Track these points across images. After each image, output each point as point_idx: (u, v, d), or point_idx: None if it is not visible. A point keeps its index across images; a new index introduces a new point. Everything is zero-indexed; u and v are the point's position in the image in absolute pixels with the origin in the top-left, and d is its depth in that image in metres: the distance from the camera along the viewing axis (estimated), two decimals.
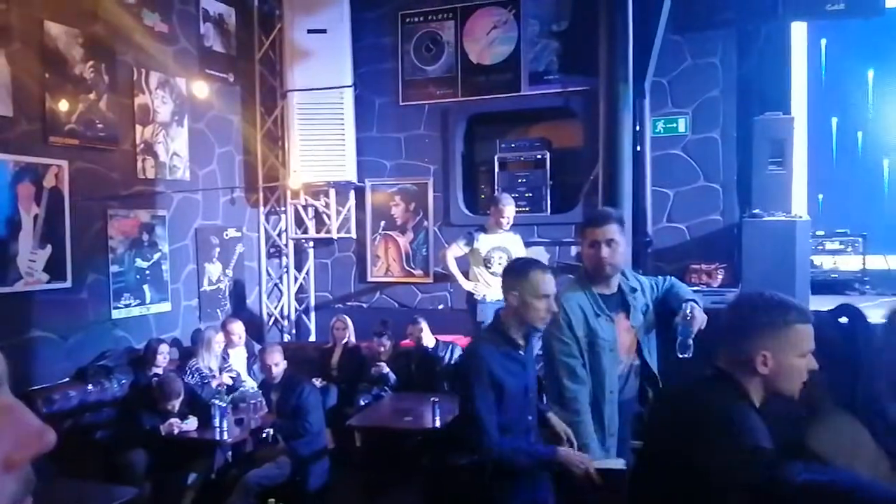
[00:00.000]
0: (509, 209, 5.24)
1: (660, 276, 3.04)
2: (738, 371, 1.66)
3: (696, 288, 5.08)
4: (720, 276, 5.31)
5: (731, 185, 5.68)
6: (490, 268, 5.29)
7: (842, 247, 5.83)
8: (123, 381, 5.01)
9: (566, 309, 2.69)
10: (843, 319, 1.73)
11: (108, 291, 5.19)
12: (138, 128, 5.42)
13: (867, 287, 5.48)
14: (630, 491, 2.56)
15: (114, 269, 5.23)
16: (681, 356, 2.66)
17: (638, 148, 5.45)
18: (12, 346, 4.53)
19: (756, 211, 5.24)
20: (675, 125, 5.79)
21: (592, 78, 4.95)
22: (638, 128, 5.42)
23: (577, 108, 6.02)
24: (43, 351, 4.73)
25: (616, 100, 4.36)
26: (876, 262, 5.80)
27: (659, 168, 5.67)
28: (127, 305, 5.34)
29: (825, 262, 5.83)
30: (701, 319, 2.66)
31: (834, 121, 6.14)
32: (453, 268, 5.47)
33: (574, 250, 6.09)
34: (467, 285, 5.40)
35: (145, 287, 5.50)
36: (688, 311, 2.66)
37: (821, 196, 6.07)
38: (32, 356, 4.68)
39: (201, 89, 5.81)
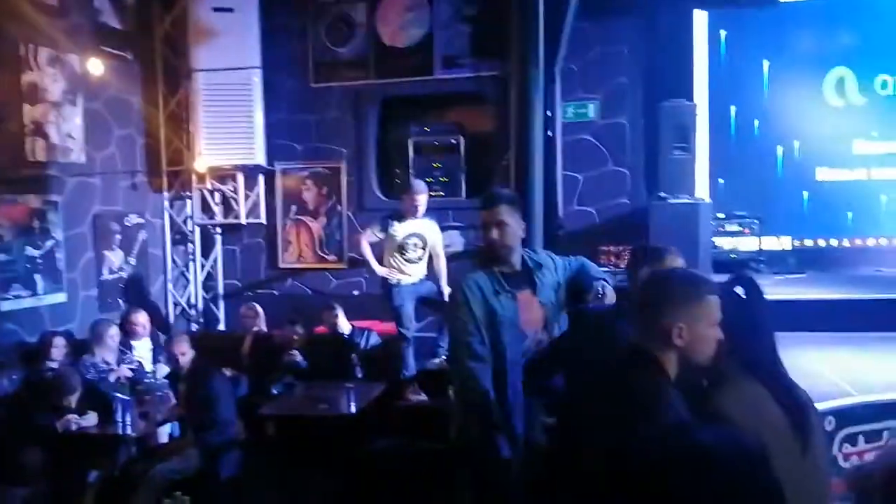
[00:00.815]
0: (422, 197, 5.14)
1: (571, 257, 3.10)
2: (654, 345, 1.70)
3: (605, 269, 5.22)
4: (628, 257, 5.47)
5: (638, 170, 5.86)
6: (405, 254, 5.18)
7: (740, 228, 6.13)
8: (13, 377, 4.70)
9: (464, 289, 2.76)
10: (739, 289, 1.80)
11: None
12: (26, 107, 5.06)
13: (762, 266, 5.78)
14: (547, 466, 2.60)
15: (0, 258, 4.88)
16: None
17: (549, 133, 5.54)
18: None
19: (662, 194, 5.43)
20: (585, 111, 5.91)
21: (504, 62, 4.99)
22: (549, 113, 5.50)
23: (489, 92, 6.04)
24: None
25: (527, 85, 4.41)
26: (771, 243, 6.13)
27: (570, 153, 5.78)
28: (17, 296, 4.99)
29: (725, 242, 6.11)
30: (611, 297, 2.75)
31: (733, 108, 6.43)
32: (368, 254, 5.37)
33: None
34: (381, 271, 5.30)
35: (36, 277, 5.15)
36: (599, 289, 2.74)
37: (721, 180, 6.35)
38: None
39: (96, 67, 5.48)
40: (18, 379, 4.72)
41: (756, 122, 6.40)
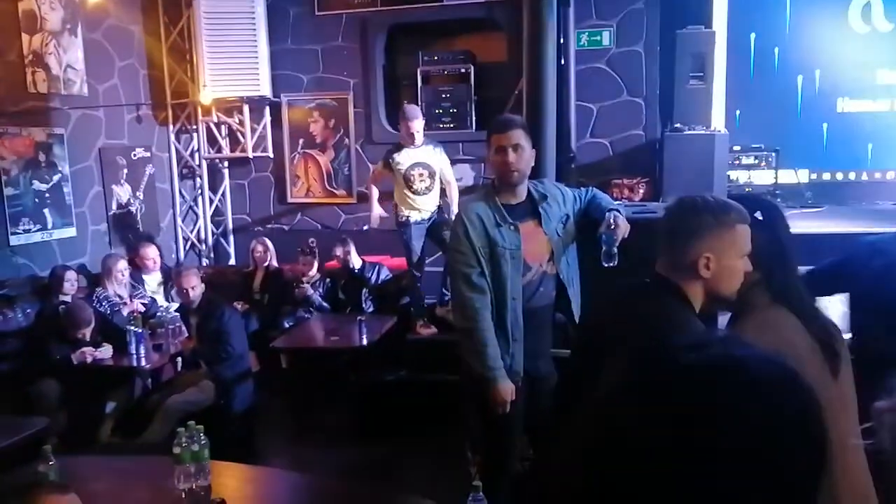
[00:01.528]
0: (416, 122, 4.87)
1: (582, 189, 3.02)
2: (678, 276, 1.63)
3: (618, 202, 5.14)
4: (642, 191, 5.38)
5: (653, 100, 5.70)
6: (412, 186, 4.90)
7: (756, 161, 6.00)
8: (28, 311, 4.74)
9: (464, 219, 2.71)
10: (758, 214, 1.72)
11: (4, 217, 4.82)
12: (24, 37, 4.93)
13: (778, 200, 5.67)
14: (559, 399, 2.60)
15: (8, 191, 4.85)
16: (606, 265, 2.67)
17: (562, 61, 5.36)
18: None
19: (677, 125, 5.30)
20: (598, 38, 5.71)
21: None
22: (562, 40, 5.31)
23: (500, 19, 5.84)
24: None
25: (540, 9, 4.22)
26: (787, 177, 6.01)
27: (583, 82, 5.61)
28: (27, 231, 4.99)
29: (740, 176, 6.00)
30: (624, 228, 2.68)
31: (752, 36, 6.20)
32: (373, 193, 5.24)
33: None
34: (376, 209, 5.20)
35: (46, 211, 5.13)
36: (611, 220, 2.66)
37: (738, 111, 6.18)
38: None
39: None
40: (33, 312, 4.76)
41: (776, 51, 6.18)
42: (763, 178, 5.95)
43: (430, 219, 4.97)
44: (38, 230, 5.07)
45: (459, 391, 3.74)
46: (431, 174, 4.91)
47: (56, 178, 5.22)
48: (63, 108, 5.28)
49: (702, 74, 5.34)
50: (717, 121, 5.76)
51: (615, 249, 2.67)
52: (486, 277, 2.69)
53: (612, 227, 2.66)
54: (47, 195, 5.15)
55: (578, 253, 2.96)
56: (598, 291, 2.98)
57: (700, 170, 4.97)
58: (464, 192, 6.05)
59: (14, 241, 4.90)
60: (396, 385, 4.12)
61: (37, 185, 5.07)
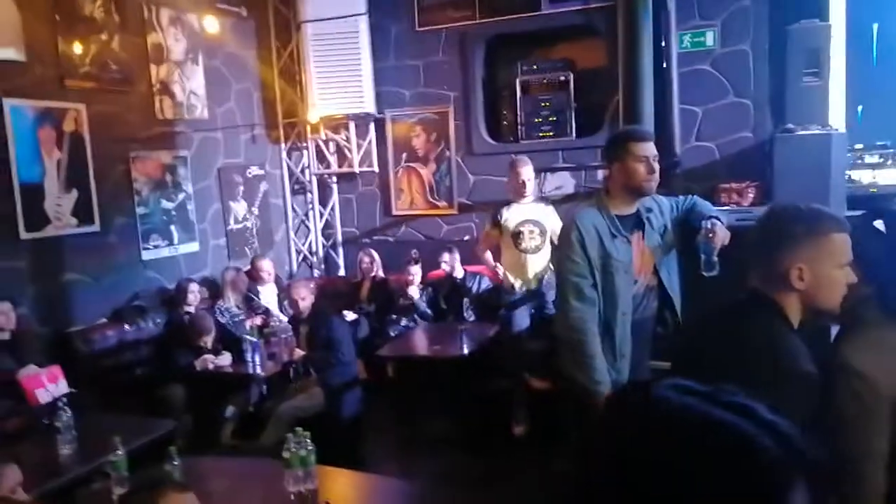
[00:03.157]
0: (527, 169, 4.52)
1: (681, 196, 2.95)
2: (773, 289, 1.57)
3: (726, 207, 4.95)
4: (751, 195, 5.15)
5: (762, 100, 5.45)
6: (521, 244, 4.56)
7: (881, 160, 5.60)
8: (157, 321, 5.14)
9: (580, 229, 2.67)
10: (879, 224, 1.61)
11: (137, 233, 5.26)
12: (153, 67, 5.36)
13: None
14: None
15: (140, 210, 5.28)
16: (706, 275, 2.60)
17: (664, 65, 5.24)
18: (49, 290, 4.66)
19: (789, 126, 5.04)
20: (702, 39, 5.53)
21: None
22: (663, 43, 5.20)
23: (600, 25, 5.78)
24: (78, 293, 4.84)
25: (635, 14, 4.16)
26: None
27: (687, 85, 5.45)
28: (156, 246, 5.41)
29: (863, 176, 5.62)
30: (723, 236, 2.59)
31: (875, 27, 5.80)
32: (486, 258, 5.07)
33: (602, 174, 5.95)
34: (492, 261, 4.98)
35: (172, 228, 5.55)
36: (708, 227, 2.58)
37: (860, 107, 5.80)
38: (68, 298, 4.80)
39: (214, 25, 5.71)
40: (162, 322, 5.15)
41: None
42: (889, 177, 5.54)
43: (537, 292, 4.60)
44: (165, 245, 5.49)
45: (560, 402, 3.74)
46: (542, 232, 4.55)
47: (181, 196, 5.64)
48: (187, 131, 5.69)
49: (817, 71, 5.05)
50: (836, 118, 5.43)
51: (715, 258, 2.59)
52: (598, 289, 2.66)
53: (711, 235, 2.59)
54: (174, 213, 5.57)
55: (680, 262, 2.91)
56: (699, 302, 2.92)
57: (815, 172, 4.70)
58: (564, 200, 6.05)
59: (146, 255, 5.32)
60: (500, 394, 4.15)
61: (164, 203, 5.49)
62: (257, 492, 2.82)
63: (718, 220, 2.68)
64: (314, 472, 2.71)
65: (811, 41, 5.04)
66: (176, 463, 2.73)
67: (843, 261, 1.53)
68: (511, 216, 4.56)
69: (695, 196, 2.98)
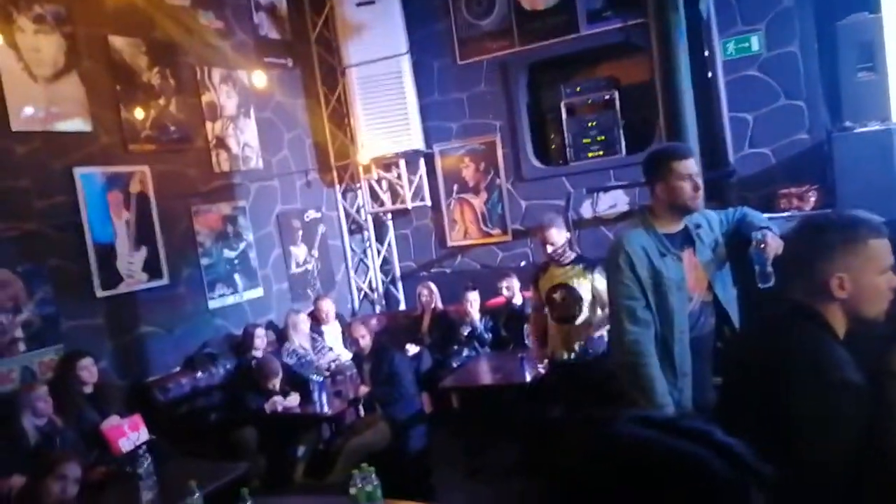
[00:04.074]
0: (552, 231, 3.97)
1: (730, 209, 2.90)
2: (814, 300, 1.54)
3: (786, 213, 4.81)
4: (812, 198, 4.98)
5: (816, 100, 5.29)
6: (553, 313, 4.03)
7: None
8: (227, 366, 5.31)
9: (628, 251, 2.63)
10: None
11: (203, 283, 5.47)
12: (208, 124, 5.62)
13: None
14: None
15: (204, 261, 5.50)
16: (762, 287, 2.54)
17: (709, 74, 5.17)
18: (125, 343, 4.89)
19: (847, 123, 4.87)
20: (747, 44, 5.43)
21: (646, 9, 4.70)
22: (706, 52, 5.13)
23: (640, 40, 5.73)
24: (152, 344, 5.06)
25: (667, 28, 4.13)
26: None
27: (735, 92, 5.36)
28: (221, 295, 5.61)
29: None
30: (776, 246, 2.52)
31: None
32: (533, 333, 4.49)
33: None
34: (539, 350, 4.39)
35: (236, 276, 5.75)
36: (760, 238, 2.53)
37: None
38: (144, 350, 5.02)
39: (262, 79, 5.95)
40: (232, 367, 5.32)
41: None
42: None
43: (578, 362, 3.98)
44: (230, 293, 5.69)
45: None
46: (577, 299, 3.94)
47: (242, 245, 5.85)
48: (244, 182, 5.92)
49: (871, 65, 4.88)
50: None
51: (769, 269, 2.53)
52: (652, 310, 2.62)
53: (763, 245, 2.53)
54: (236, 261, 5.77)
55: (735, 276, 2.84)
56: (757, 314, 2.84)
57: (878, 170, 4.52)
58: (619, 218, 5.99)
59: (212, 304, 5.53)
60: (559, 421, 4.11)
61: (227, 253, 5.70)
62: None
63: (770, 229, 2.62)
64: None
65: (863, 35, 4.89)
66: (249, 503, 2.81)
67: (883, 266, 1.49)
68: (544, 281, 4.10)
69: (744, 207, 2.92)
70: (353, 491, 2.76)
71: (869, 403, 1.41)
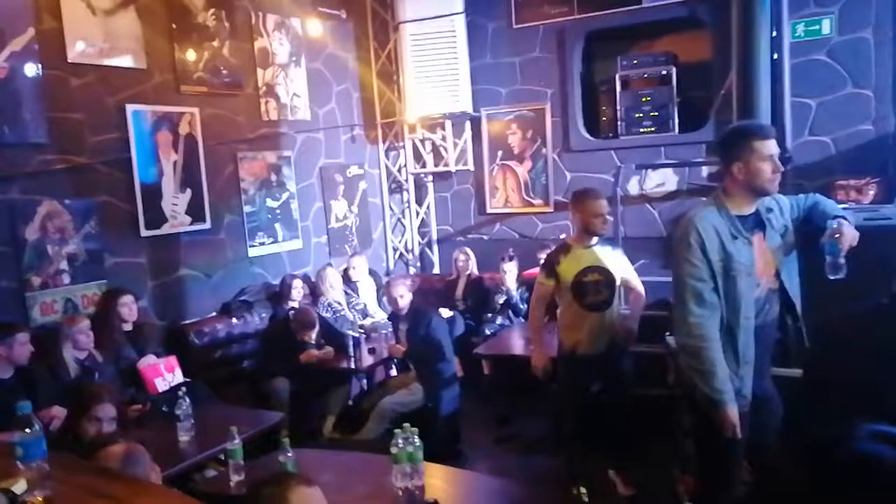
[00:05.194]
0: (604, 202, 3.66)
1: (801, 195, 2.79)
2: None
3: (843, 205, 4.67)
4: (871, 192, 4.84)
5: (885, 91, 5.10)
6: (585, 299, 3.64)
7: None
8: (263, 315, 5.33)
9: (699, 230, 2.54)
10: None
11: (244, 231, 5.47)
12: (259, 71, 5.57)
13: None
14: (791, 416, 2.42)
15: (247, 209, 5.49)
16: (831, 278, 2.45)
17: (775, 56, 4.99)
18: (166, 284, 4.92)
19: None
20: (818, 27, 5.23)
21: None
22: (775, 33, 4.95)
23: (704, 16, 5.56)
24: (191, 288, 5.09)
25: (751, 2, 3.98)
26: None
27: (799, 76, 5.18)
28: (262, 244, 5.61)
29: None
30: (852, 236, 2.42)
31: None
32: (535, 323, 3.94)
33: (706, 171, 5.75)
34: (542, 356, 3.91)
35: (277, 226, 5.75)
36: (836, 227, 2.43)
37: None
38: (182, 292, 5.05)
39: (316, 28, 5.87)
40: (267, 316, 5.35)
41: None
42: None
43: (605, 354, 3.71)
44: (271, 242, 5.69)
45: (672, 407, 3.63)
46: (610, 283, 3.66)
47: (285, 195, 5.83)
48: (290, 132, 5.88)
49: None
50: None
51: (842, 260, 2.43)
52: (719, 294, 2.55)
53: (838, 235, 2.43)
54: (278, 211, 5.76)
55: (802, 264, 2.75)
56: (822, 306, 2.76)
57: None
58: (665, 197, 5.88)
59: (252, 252, 5.54)
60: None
61: (269, 202, 5.69)
62: (364, 486, 2.87)
63: (845, 219, 2.52)
64: (421, 469, 2.74)
65: None
66: (290, 454, 2.82)
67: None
68: (566, 267, 3.67)
69: (816, 194, 2.81)
70: (394, 450, 2.74)
71: None
